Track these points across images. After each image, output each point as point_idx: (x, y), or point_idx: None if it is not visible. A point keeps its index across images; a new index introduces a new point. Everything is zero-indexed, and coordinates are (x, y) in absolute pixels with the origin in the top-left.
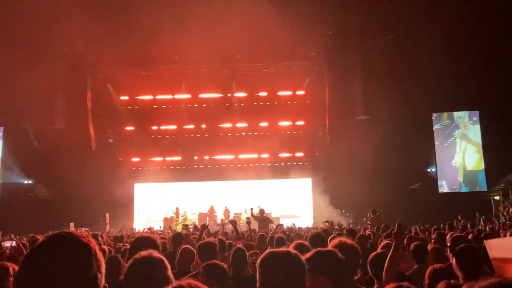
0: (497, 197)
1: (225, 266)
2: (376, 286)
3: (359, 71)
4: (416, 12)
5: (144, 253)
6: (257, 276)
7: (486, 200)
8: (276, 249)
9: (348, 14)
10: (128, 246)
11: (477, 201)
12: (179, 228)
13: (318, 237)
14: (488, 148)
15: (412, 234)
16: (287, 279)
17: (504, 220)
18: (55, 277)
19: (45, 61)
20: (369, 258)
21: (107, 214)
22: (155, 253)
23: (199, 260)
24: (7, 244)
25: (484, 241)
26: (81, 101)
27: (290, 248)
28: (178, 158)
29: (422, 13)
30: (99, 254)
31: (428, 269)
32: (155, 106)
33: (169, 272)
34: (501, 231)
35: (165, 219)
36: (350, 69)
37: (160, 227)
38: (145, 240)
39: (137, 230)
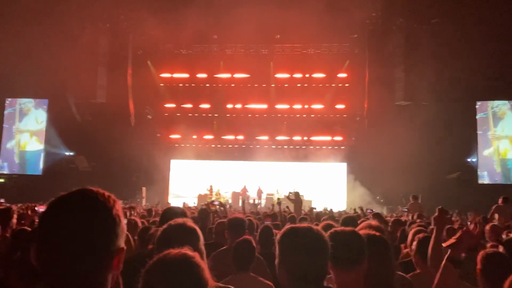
0: None
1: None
2: (418, 271)
3: (401, 55)
4: None
5: (179, 220)
6: (277, 252)
7: None
8: (296, 225)
9: None
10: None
11: None
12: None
13: (351, 220)
14: None
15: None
16: (307, 255)
17: None
18: (68, 233)
19: (88, 36)
20: (418, 240)
21: (144, 188)
22: (190, 222)
23: (226, 235)
24: (41, 209)
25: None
26: (122, 77)
27: (319, 227)
28: (213, 136)
29: None
30: (117, 213)
31: (482, 253)
32: (193, 85)
33: (201, 244)
34: None
35: (199, 196)
36: (392, 53)
37: (194, 203)
38: (176, 210)
39: (171, 205)
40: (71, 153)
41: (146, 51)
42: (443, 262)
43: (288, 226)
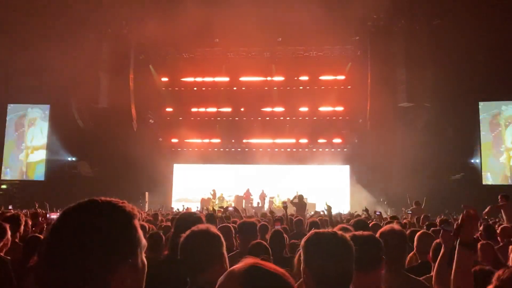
0: None
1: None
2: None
3: (403, 56)
4: None
5: (202, 226)
6: (302, 257)
7: None
8: (321, 230)
9: None
10: (166, 223)
11: None
12: (216, 209)
13: (363, 224)
14: None
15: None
16: (333, 259)
17: None
18: (82, 244)
19: (90, 41)
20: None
21: (147, 193)
22: (213, 228)
23: (238, 240)
24: (53, 216)
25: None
26: (124, 82)
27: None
28: (217, 140)
29: None
30: (135, 224)
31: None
32: (195, 88)
33: (224, 250)
34: None
35: (202, 200)
36: (394, 55)
37: (197, 207)
38: (192, 217)
39: (175, 209)
40: (74, 159)
41: (148, 56)
42: (456, 248)
43: (312, 231)
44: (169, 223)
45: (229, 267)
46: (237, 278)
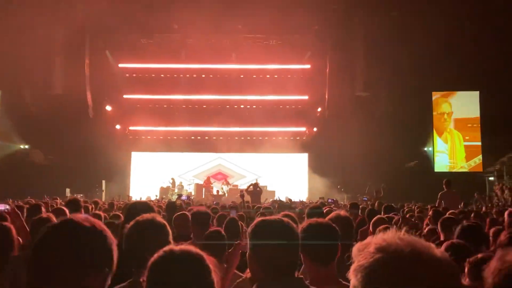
0: (491, 178)
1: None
2: None
3: (362, 47)
4: None
5: (147, 216)
6: (248, 244)
7: (481, 180)
8: (267, 217)
9: None
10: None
11: (472, 182)
12: (174, 198)
13: (317, 211)
14: (485, 129)
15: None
16: (279, 247)
17: (497, 201)
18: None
19: (44, 25)
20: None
21: (104, 182)
22: (158, 217)
23: (190, 229)
24: (1, 207)
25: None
26: (79, 67)
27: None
28: (176, 128)
29: None
30: (106, 239)
31: (448, 244)
32: (153, 75)
33: (171, 239)
34: (494, 211)
35: (161, 189)
36: (353, 45)
37: (156, 196)
38: (143, 205)
39: (133, 198)
40: (27, 147)
41: (105, 41)
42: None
43: (258, 218)
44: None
45: None
46: (149, 267)
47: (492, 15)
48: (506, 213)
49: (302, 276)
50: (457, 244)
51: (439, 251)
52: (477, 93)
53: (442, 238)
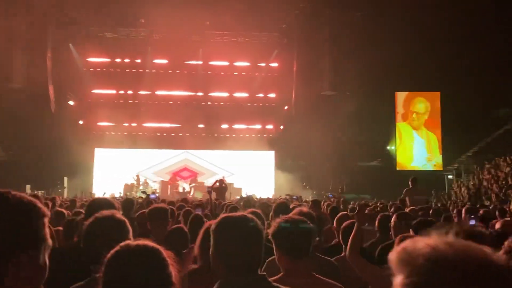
0: (450, 176)
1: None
2: (344, 253)
3: (328, 46)
4: None
5: (106, 212)
6: (212, 242)
7: (441, 179)
8: (231, 214)
9: None
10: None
11: (432, 180)
12: (139, 195)
13: (284, 207)
14: (445, 128)
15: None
16: (243, 244)
17: (455, 199)
18: None
19: (2, 15)
20: (342, 226)
21: (66, 178)
22: (118, 214)
23: (149, 226)
24: None
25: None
26: (41, 60)
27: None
28: (140, 124)
29: None
30: (42, 223)
31: (399, 237)
32: (118, 70)
33: (131, 236)
34: (451, 208)
35: (126, 186)
36: (320, 44)
37: (120, 193)
38: (103, 201)
39: (96, 195)
40: None
41: (68, 34)
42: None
43: (222, 215)
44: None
45: None
46: (105, 264)
47: (453, 18)
48: (463, 210)
49: (265, 273)
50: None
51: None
52: (438, 93)
53: (378, 236)
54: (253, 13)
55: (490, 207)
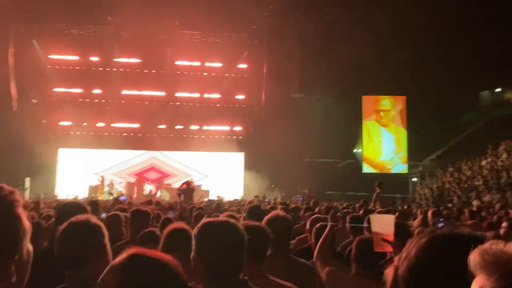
0: (415, 179)
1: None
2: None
3: (297, 49)
4: None
5: (82, 216)
6: (193, 246)
7: (405, 181)
8: (213, 219)
9: None
10: (48, 211)
11: (397, 182)
12: (105, 197)
13: (257, 210)
14: (410, 132)
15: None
16: (226, 249)
17: (419, 201)
18: None
19: None
20: (315, 229)
21: (27, 179)
22: (94, 218)
23: (129, 228)
24: None
25: (369, 216)
26: (3, 57)
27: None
28: (106, 124)
29: None
30: (22, 214)
31: (357, 238)
32: (84, 68)
33: (107, 241)
34: (415, 210)
35: (90, 187)
36: (289, 46)
37: (85, 195)
38: (75, 205)
39: (60, 197)
40: None
41: (32, 30)
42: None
43: (205, 220)
44: (52, 212)
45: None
46: (117, 269)
47: (420, 24)
48: (429, 212)
49: (246, 278)
50: (368, 240)
51: None
52: (404, 97)
53: (351, 237)
54: (223, 13)
55: (454, 210)
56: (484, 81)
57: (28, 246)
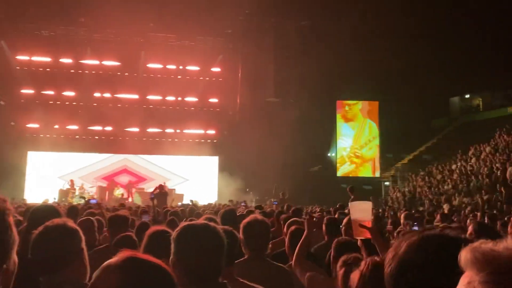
0: (387, 183)
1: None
2: (291, 262)
3: (272, 53)
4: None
5: (58, 220)
6: (172, 249)
7: (378, 185)
8: (193, 222)
9: None
10: (18, 217)
11: (370, 186)
12: (76, 201)
13: (231, 213)
14: (383, 137)
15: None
16: (205, 253)
17: (391, 204)
18: None
19: None
20: (290, 232)
21: None
22: (70, 222)
23: (107, 233)
24: None
25: (349, 203)
26: None
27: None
28: (77, 127)
29: (336, 2)
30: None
31: (335, 241)
32: (55, 70)
33: (84, 244)
34: (387, 214)
35: (61, 191)
36: (264, 51)
37: (55, 199)
38: (48, 209)
39: (29, 201)
40: None
41: (0, 30)
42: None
43: (183, 223)
44: (21, 217)
45: (100, 262)
46: (114, 271)
47: (394, 30)
48: (402, 216)
49: (225, 281)
50: (346, 242)
51: None
52: (377, 103)
53: (326, 239)
54: (198, 17)
55: (425, 213)
56: (454, 87)
57: (14, 257)
